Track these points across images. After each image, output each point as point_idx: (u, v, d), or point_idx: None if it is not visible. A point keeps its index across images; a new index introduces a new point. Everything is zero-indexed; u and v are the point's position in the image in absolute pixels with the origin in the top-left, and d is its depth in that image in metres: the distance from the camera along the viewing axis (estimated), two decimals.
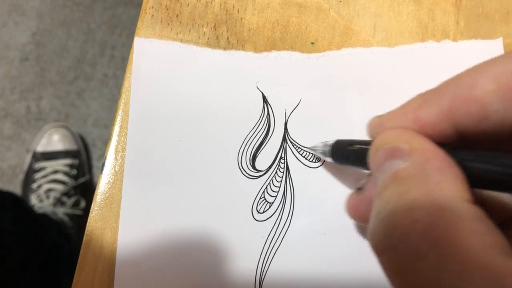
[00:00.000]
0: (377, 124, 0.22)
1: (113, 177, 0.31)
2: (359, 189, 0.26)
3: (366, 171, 0.23)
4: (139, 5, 1.22)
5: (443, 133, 0.19)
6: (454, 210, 0.16)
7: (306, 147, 0.32)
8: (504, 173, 0.17)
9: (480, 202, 0.23)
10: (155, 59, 0.33)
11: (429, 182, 0.17)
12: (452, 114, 0.18)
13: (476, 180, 0.18)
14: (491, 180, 0.17)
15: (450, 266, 0.14)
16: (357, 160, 0.24)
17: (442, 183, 0.16)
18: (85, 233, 0.30)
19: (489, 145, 0.21)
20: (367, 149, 0.21)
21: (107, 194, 0.30)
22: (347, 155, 0.26)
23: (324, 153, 0.29)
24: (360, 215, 0.26)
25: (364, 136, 0.25)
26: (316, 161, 0.32)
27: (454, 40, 0.34)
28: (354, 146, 0.25)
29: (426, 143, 0.18)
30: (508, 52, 0.19)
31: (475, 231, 0.15)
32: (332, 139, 0.28)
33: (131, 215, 0.30)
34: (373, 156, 0.20)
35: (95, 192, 0.31)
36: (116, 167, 0.31)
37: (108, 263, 0.29)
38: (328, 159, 0.29)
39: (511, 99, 0.17)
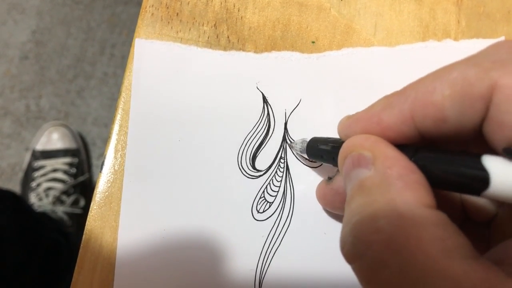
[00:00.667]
0: (346, 126, 0.23)
1: (112, 176, 0.31)
2: (329, 179, 0.28)
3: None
4: (139, 3, 1.22)
5: (405, 135, 0.20)
6: (415, 218, 0.16)
7: (289, 143, 0.32)
8: (459, 174, 0.17)
9: (459, 203, 0.23)
10: (155, 60, 0.33)
11: (391, 191, 0.17)
12: (413, 117, 0.19)
13: (437, 182, 0.18)
14: (449, 181, 0.18)
15: (411, 273, 0.15)
16: (329, 158, 0.25)
17: (403, 191, 0.17)
18: (84, 232, 0.30)
19: (455, 146, 0.22)
20: (338, 149, 0.22)
21: (107, 193, 0.30)
22: (320, 154, 0.27)
23: (301, 149, 0.30)
24: (327, 202, 0.29)
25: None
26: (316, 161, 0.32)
27: (456, 39, 0.34)
28: (327, 145, 0.26)
29: (388, 149, 0.19)
30: (467, 57, 0.19)
31: (435, 237, 0.15)
32: (309, 137, 0.29)
33: (131, 214, 0.30)
34: (341, 164, 0.21)
35: (94, 191, 0.30)
36: (116, 166, 0.31)
37: (107, 262, 0.29)
38: (304, 155, 0.30)
39: (466, 104, 0.18)
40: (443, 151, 0.18)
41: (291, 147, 0.32)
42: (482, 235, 0.22)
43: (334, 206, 0.28)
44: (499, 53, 0.18)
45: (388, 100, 0.20)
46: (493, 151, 0.18)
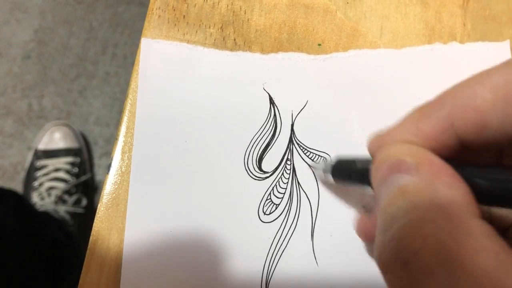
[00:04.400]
0: (377, 141, 0.21)
1: (119, 177, 0.31)
2: (364, 208, 0.26)
3: (369, 191, 0.23)
4: (141, 3, 1.22)
5: (445, 144, 0.19)
6: (465, 226, 0.15)
7: (309, 157, 0.31)
8: (507, 189, 0.17)
9: (488, 213, 0.23)
10: (161, 60, 0.33)
11: (439, 197, 0.16)
12: (453, 124, 0.18)
13: (481, 197, 0.17)
14: (496, 196, 0.17)
15: (460, 284, 0.14)
16: (359, 178, 0.23)
17: (453, 197, 0.16)
18: (91, 233, 0.30)
19: (491, 154, 0.21)
20: (369, 166, 0.21)
21: (114, 194, 0.30)
22: (349, 174, 0.25)
23: (325, 170, 0.28)
24: (370, 237, 0.26)
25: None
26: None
27: (461, 42, 0.34)
28: (355, 163, 0.24)
29: (432, 157, 0.18)
30: (507, 60, 0.19)
31: (488, 248, 0.15)
32: (332, 156, 0.28)
33: (137, 215, 0.30)
34: (375, 171, 0.20)
35: (101, 193, 0.31)
36: (123, 168, 0.31)
37: (114, 263, 0.29)
38: (329, 178, 0.28)
39: (509, 108, 0.17)
40: (486, 166, 0.18)
41: (312, 169, 0.31)
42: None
43: None
44: None
45: (423, 109, 0.19)
46: None
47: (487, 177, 0.17)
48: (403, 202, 0.17)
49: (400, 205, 0.17)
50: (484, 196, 0.17)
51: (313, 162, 0.31)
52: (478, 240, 0.15)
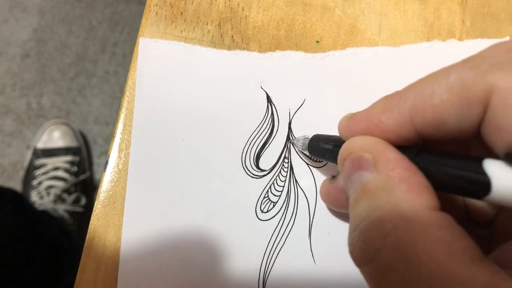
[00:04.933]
0: (346, 127, 0.23)
1: (116, 175, 0.31)
2: (333, 177, 0.28)
3: None
4: (140, 2, 1.22)
5: (405, 137, 0.20)
6: (420, 221, 0.16)
7: (291, 140, 0.32)
8: (461, 178, 0.17)
9: (462, 204, 0.23)
10: (159, 59, 0.33)
11: (395, 195, 0.17)
12: (412, 120, 0.19)
13: (438, 184, 0.18)
14: (450, 184, 0.18)
15: (417, 278, 0.15)
16: (331, 157, 0.25)
17: (407, 194, 0.17)
18: (88, 231, 0.30)
19: (456, 146, 0.22)
20: (339, 149, 0.22)
21: (110, 192, 0.30)
22: (322, 152, 0.27)
23: (303, 147, 0.30)
24: (332, 201, 0.29)
25: None
26: (320, 160, 0.32)
27: (460, 39, 0.34)
28: (329, 143, 0.26)
29: (389, 151, 0.19)
30: (465, 59, 0.19)
31: (441, 240, 0.15)
32: (311, 134, 0.29)
33: (134, 213, 0.30)
34: (341, 165, 0.21)
35: (98, 190, 0.30)
36: (120, 165, 0.31)
37: (111, 261, 0.29)
38: (306, 153, 0.30)
39: (464, 107, 0.18)
40: (444, 153, 0.18)
41: (292, 144, 0.32)
42: (483, 234, 0.22)
43: (339, 204, 0.28)
44: (496, 55, 0.18)
45: (388, 102, 0.21)
46: (493, 153, 0.18)
47: (439, 164, 0.18)
48: (365, 202, 0.19)
49: (363, 204, 0.19)
50: (438, 183, 0.18)
51: (293, 138, 0.32)
52: (433, 232, 0.16)
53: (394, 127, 0.20)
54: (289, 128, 0.32)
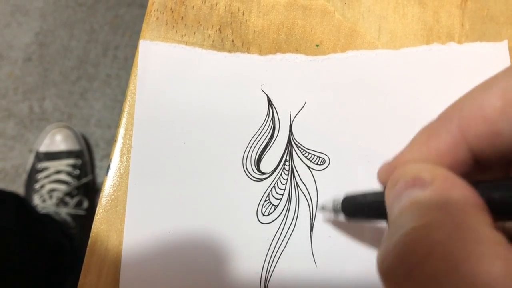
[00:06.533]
0: (388, 168, 0.20)
1: (118, 179, 0.31)
2: None
3: (384, 225, 0.22)
4: (141, 5, 1.23)
5: (459, 159, 0.18)
6: (476, 233, 0.14)
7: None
8: None
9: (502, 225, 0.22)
10: (160, 62, 0.33)
11: (451, 207, 0.15)
12: (464, 137, 0.18)
13: (497, 212, 0.16)
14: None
15: None
16: (372, 213, 0.22)
17: (464, 206, 0.15)
18: (90, 235, 0.30)
19: (504, 167, 0.20)
20: (382, 197, 0.19)
21: (112, 196, 0.30)
22: (361, 209, 0.23)
23: (335, 209, 0.26)
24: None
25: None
26: (321, 163, 0.32)
27: (459, 42, 0.34)
28: (366, 197, 0.23)
29: (447, 172, 0.17)
30: (509, 66, 0.18)
31: (499, 256, 0.14)
32: (340, 195, 0.26)
33: (136, 217, 0.30)
34: (389, 191, 0.18)
35: (100, 194, 0.31)
36: (122, 170, 0.31)
37: (113, 265, 0.29)
38: (341, 217, 0.26)
39: None
40: (500, 180, 0.17)
41: (321, 210, 0.30)
42: None
43: None
44: None
45: (431, 127, 0.19)
46: None
47: (502, 191, 0.17)
48: (413, 212, 0.16)
49: (409, 214, 0.16)
50: (500, 211, 0.16)
51: (322, 203, 0.30)
52: (490, 247, 0.14)
53: (446, 149, 0.18)
54: (290, 130, 0.32)
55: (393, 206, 0.18)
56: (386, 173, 0.20)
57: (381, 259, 0.16)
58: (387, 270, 0.16)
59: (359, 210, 0.24)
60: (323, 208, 0.29)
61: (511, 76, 0.17)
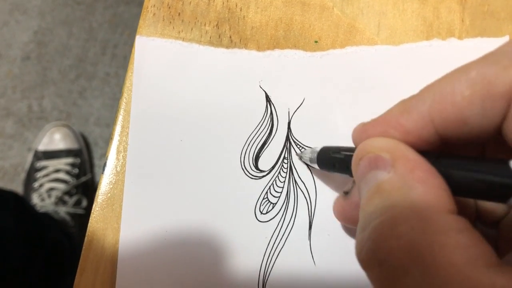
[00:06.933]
0: (361, 132, 0.22)
1: (114, 177, 0.30)
2: (346, 193, 0.26)
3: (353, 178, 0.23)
4: (140, 3, 1.22)
5: (425, 140, 0.19)
6: (438, 224, 0.16)
7: (297, 153, 0.31)
8: (485, 181, 0.17)
9: (474, 206, 0.23)
10: (156, 58, 0.33)
11: (412, 195, 0.17)
12: (432, 120, 0.19)
13: (459, 189, 0.17)
14: (473, 189, 0.17)
15: (434, 282, 0.15)
16: (342, 167, 0.24)
17: (425, 195, 0.17)
18: (87, 233, 0.30)
19: (473, 149, 0.21)
20: (351, 156, 0.21)
21: (109, 194, 0.30)
22: (332, 163, 0.25)
23: (311, 159, 0.29)
24: (347, 218, 0.27)
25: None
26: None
27: (460, 38, 0.34)
28: (340, 153, 0.24)
29: (409, 152, 0.18)
30: (483, 55, 0.19)
31: (459, 244, 0.15)
32: (319, 145, 0.28)
33: (133, 215, 0.30)
34: (355, 165, 0.20)
35: (97, 192, 0.30)
36: (118, 167, 0.31)
37: (109, 264, 0.29)
38: (315, 166, 0.28)
39: (487, 103, 0.17)
40: (465, 157, 0.18)
41: (300, 157, 0.31)
42: (490, 234, 0.22)
43: (355, 221, 0.27)
44: None
45: (406, 104, 0.20)
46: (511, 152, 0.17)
47: (462, 168, 0.17)
48: (379, 201, 0.18)
49: (377, 204, 0.18)
50: (460, 188, 0.17)
51: (299, 151, 0.31)
52: (450, 236, 0.15)
53: (413, 129, 0.19)
54: (289, 127, 0.32)
55: (360, 185, 0.20)
56: (358, 135, 0.22)
57: (358, 251, 0.18)
58: (364, 261, 0.17)
59: (332, 164, 0.26)
60: (301, 158, 0.31)
61: (483, 66, 0.18)
